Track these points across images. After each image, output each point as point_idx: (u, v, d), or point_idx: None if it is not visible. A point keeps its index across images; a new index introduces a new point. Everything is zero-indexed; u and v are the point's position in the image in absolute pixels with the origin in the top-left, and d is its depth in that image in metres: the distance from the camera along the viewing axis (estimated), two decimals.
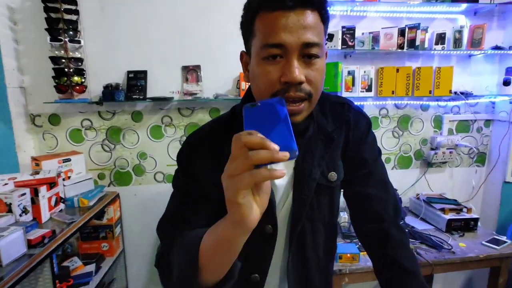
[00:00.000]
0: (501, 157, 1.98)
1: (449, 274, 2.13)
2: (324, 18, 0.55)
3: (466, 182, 2.09)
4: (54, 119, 1.69)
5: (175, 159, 0.66)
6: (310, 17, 0.51)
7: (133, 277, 1.88)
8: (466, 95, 1.87)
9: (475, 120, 2.03)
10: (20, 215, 1.18)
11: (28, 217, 1.22)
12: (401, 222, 0.68)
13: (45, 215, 1.28)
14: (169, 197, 0.66)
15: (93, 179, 1.69)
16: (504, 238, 1.53)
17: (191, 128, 1.80)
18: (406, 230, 0.80)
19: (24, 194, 1.20)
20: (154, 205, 1.82)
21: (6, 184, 1.21)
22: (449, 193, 2.03)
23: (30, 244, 1.06)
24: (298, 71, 0.51)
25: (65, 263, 1.50)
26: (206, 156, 0.62)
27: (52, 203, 1.35)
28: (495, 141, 2.02)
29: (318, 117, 0.66)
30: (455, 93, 1.86)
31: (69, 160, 1.57)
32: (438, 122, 2.01)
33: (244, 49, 0.62)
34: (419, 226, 1.67)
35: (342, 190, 0.73)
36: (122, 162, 1.79)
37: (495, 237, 1.55)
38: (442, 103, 1.98)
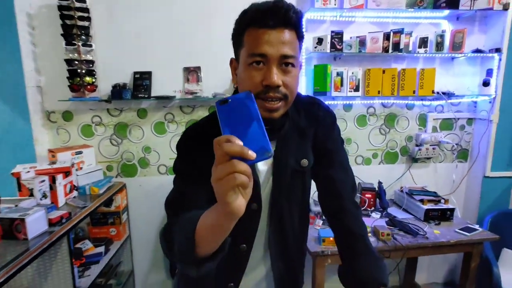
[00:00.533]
0: (481, 153, 2.11)
1: (434, 261, 2.28)
2: (300, 36, 0.68)
3: (449, 177, 2.22)
4: (67, 115, 1.86)
5: None
6: (288, 35, 0.65)
7: (138, 261, 2.05)
8: (448, 95, 2.01)
9: (458, 119, 2.16)
10: (41, 199, 1.35)
11: (47, 201, 1.38)
12: (356, 199, 0.83)
13: (61, 200, 1.45)
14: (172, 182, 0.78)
15: (102, 170, 1.86)
16: (476, 227, 1.66)
17: (191, 124, 1.95)
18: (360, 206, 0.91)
19: (43, 181, 1.37)
20: (158, 195, 1.98)
21: (28, 171, 1.38)
22: (433, 187, 2.16)
23: (51, 223, 1.23)
24: (277, 77, 0.64)
25: (78, 245, 1.67)
26: (202, 144, 0.70)
27: (67, 190, 1.52)
28: (477, 138, 2.15)
29: (293, 115, 0.80)
30: (437, 93, 1.99)
31: (81, 152, 1.74)
32: (422, 120, 2.15)
33: (233, 56, 0.76)
34: (400, 215, 1.82)
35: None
36: (128, 155, 1.95)
37: (469, 225, 1.68)
38: (426, 103, 2.12)
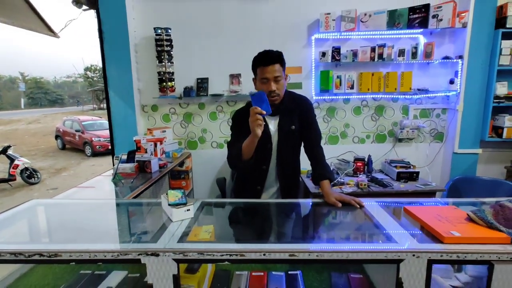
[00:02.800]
0: (450, 135, 2.76)
1: None
2: (283, 65, 1.49)
3: (427, 153, 2.89)
4: (154, 107, 2.84)
5: (225, 132, 1.65)
6: (277, 66, 1.45)
7: None
8: (423, 91, 2.69)
9: (434, 109, 2.82)
10: (150, 155, 2.31)
11: (153, 156, 2.34)
12: (322, 144, 1.63)
13: (159, 157, 2.41)
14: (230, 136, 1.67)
15: (176, 144, 2.81)
16: (432, 184, 2.35)
17: (238, 109, 2.84)
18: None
19: (151, 144, 2.33)
20: (210, 163, 2.90)
21: (143, 139, 2.35)
22: (414, 160, 2.84)
23: (160, 166, 2.17)
24: (273, 86, 1.47)
25: None
26: (243, 117, 1.53)
27: (161, 152, 2.48)
28: (448, 124, 2.80)
29: (287, 102, 1.61)
30: (414, 89, 2.68)
31: (165, 131, 2.70)
32: (405, 110, 2.84)
33: (253, 77, 1.60)
34: (381, 177, 2.55)
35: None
36: (192, 134, 2.89)
37: (427, 183, 2.38)
38: (408, 96, 2.81)
